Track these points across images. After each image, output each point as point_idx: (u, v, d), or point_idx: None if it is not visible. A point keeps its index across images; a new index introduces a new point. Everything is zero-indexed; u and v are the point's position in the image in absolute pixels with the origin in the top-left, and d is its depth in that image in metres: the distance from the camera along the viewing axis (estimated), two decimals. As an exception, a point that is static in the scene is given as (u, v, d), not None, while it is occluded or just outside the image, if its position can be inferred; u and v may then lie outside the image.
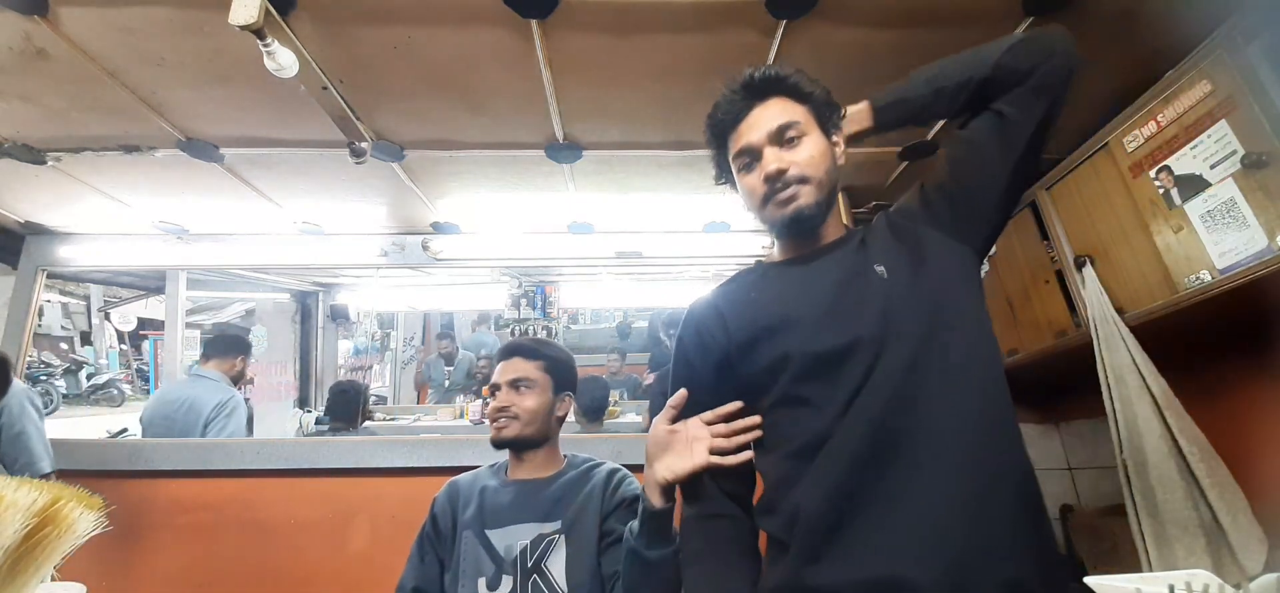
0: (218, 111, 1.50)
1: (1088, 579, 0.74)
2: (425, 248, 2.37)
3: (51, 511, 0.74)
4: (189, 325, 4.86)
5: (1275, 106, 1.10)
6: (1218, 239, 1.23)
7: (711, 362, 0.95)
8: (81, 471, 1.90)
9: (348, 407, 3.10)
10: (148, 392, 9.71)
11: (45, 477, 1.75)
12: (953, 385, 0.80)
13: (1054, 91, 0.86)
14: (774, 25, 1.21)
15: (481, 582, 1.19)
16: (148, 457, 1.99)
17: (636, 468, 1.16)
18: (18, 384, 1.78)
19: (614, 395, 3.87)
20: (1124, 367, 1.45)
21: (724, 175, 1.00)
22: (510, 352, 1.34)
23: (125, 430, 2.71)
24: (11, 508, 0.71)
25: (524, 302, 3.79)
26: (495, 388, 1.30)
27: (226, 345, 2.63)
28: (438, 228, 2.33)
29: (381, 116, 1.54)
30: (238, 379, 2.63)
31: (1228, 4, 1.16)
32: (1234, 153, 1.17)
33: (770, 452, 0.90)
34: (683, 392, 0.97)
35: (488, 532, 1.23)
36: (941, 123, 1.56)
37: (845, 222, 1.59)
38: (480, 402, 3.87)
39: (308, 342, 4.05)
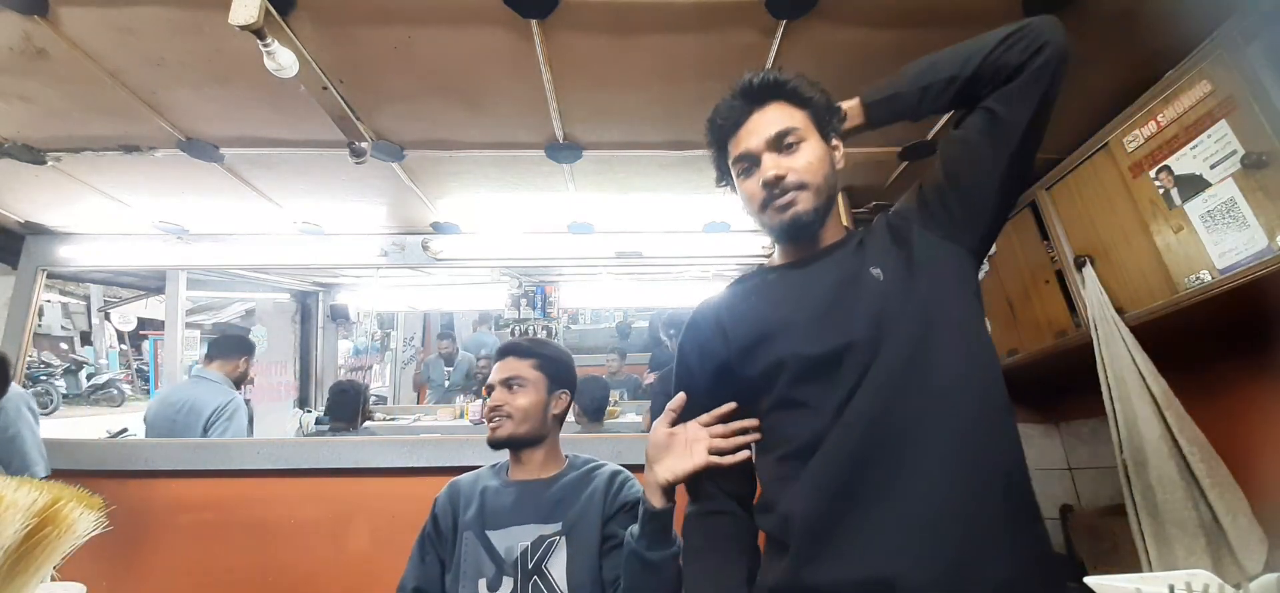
0: (218, 111, 1.50)
1: (1088, 579, 0.75)
2: (425, 248, 2.37)
3: (51, 511, 0.74)
4: (189, 325, 4.87)
5: (1275, 106, 1.10)
6: (1218, 239, 1.23)
7: (711, 368, 0.97)
8: (82, 471, 1.90)
9: (348, 407, 3.10)
10: (148, 392, 9.72)
11: (39, 481, 1.75)
12: (947, 387, 0.81)
13: (1045, 86, 0.85)
14: (774, 25, 1.21)
15: (482, 583, 1.19)
16: (148, 457, 1.99)
17: (637, 468, 1.16)
18: (15, 387, 1.78)
19: (614, 396, 3.87)
20: (1124, 367, 1.45)
21: (725, 178, 1.01)
22: (505, 352, 1.35)
23: (125, 430, 2.71)
24: (11, 508, 0.71)
25: (524, 302, 3.79)
26: (491, 388, 1.32)
27: (230, 347, 2.62)
28: (438, 228, 2.33)
29: (381, 117, 1.54)
30: (240, 381, 2.63)
31: (1228, 4, 1.16)
32: (1234, 153, 1.17)
33: (769, 453, 0.92)
34: (682, 395, 0.98)
35: (488, 533, 1.23)
36: (941, 121, 1.56)
37: (845, 222, 1.59)
38: (480, 402, 3.86)
39: (308, 342, 4.05)
